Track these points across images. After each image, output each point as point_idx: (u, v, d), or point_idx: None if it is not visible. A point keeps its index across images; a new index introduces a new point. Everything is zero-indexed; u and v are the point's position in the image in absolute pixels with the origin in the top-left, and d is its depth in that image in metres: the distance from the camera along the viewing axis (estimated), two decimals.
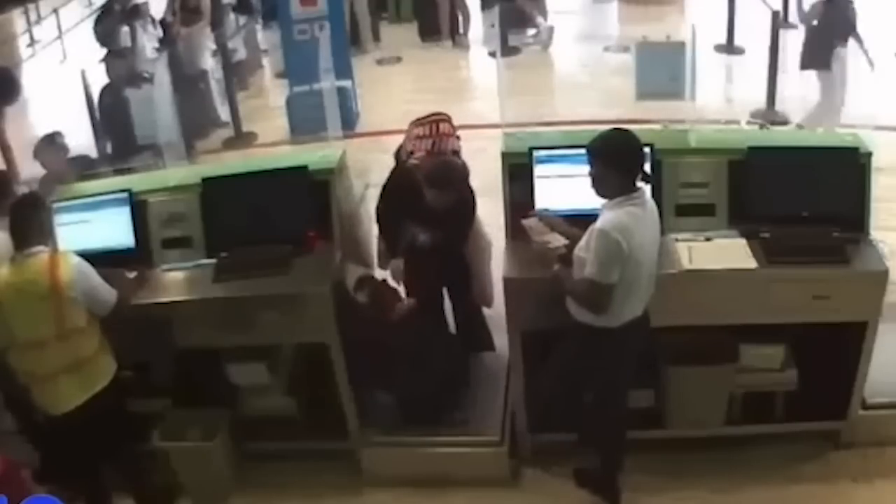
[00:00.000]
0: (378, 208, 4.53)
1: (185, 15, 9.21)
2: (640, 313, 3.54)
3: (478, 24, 10.78)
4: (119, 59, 7.76)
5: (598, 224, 3.36)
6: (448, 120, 4.54)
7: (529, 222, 3.85)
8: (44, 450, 4.19)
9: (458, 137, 4.53)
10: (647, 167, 3.56)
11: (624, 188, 3.38)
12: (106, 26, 8.90)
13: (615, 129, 3.49)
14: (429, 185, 4.17)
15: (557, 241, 3.70)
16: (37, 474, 4.23)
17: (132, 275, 4.03)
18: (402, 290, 4.54)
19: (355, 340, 4.05)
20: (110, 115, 7.10)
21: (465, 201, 4.37)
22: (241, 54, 9.75)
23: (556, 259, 3.60)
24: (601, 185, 3.42)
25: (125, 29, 8.69)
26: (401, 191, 4.37)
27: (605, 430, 3.89)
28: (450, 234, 4.42)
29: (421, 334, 4.25)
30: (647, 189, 3.51)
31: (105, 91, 7.39)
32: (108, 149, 7.14)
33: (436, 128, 4.48)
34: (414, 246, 4.45)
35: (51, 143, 5.37)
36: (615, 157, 3.38)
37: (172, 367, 4.33)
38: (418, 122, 4.55)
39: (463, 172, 4.30)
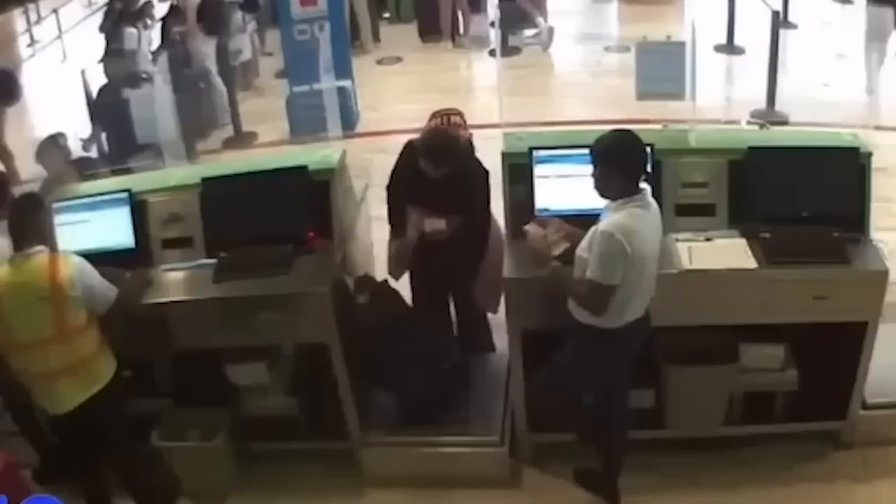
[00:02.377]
0: (388, 188, 4.51)
1: (179, 15, 9.23)
2: (641, 314, 3.54)
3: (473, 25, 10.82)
4: (117, 59, 7.76)
5: (602, 226, 3.35)
6: (460, 114, 4.58)
7: (530, 227, 3.79)
8: (44, 450, 4.19)
9: (469, 132, 4.54)
10: (649, 168, 3.55)
11: (627, 189, 3.38)
12: (112, 24, 8.93)
13: (618, 130, 3.47)
14: (424, 155, 4.14)
15: (559, 243, 3.68)
16: (37, 474, 4.23)
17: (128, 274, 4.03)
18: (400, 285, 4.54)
19: (355, 341, 4.05)
20: (107, 115, 7.10)
21: (468, 174, 4.29)
22: (246, 55, 9.74)
23: (554, 258, 3.58)
24: (604, 186, 3.41)
25: (129, 30, 8.69)
26: (405, 167, 4.38)
27: (606, 430, 3.88)
28: (457, 213, 4.35)
29: (421, 334, 4.25)
30: (649, 190, 3.50)
31: (102, 91, 7.39)
32: (104, 149, 7.15)
33: (447, 119, 4.52)
34: (420, 240, 4.43)
35: (53, 145, 5.37)
36: (618, 159, 3.37)
37: (172, 367, 4.34)
38: (433, 115, 4.59)
39: (463, 143, 4.27)
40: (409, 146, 4.43)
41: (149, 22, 9.30)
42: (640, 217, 3.36)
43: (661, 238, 3.54)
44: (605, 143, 3.41)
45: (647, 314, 3.58)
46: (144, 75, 7.69)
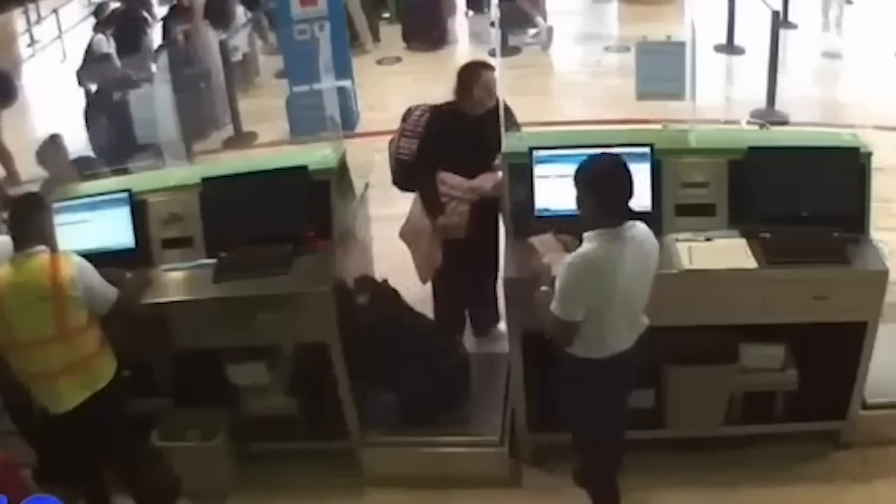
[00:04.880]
0: (414, 161, 4.59)
1: (182, 14, 9.22)
2: (630, 345, 3.34)
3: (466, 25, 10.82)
4: (94, 69, 7.78)
5: (569, 256, 3.20)
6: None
7: (537, 243, 3.64)
8: (42, 450, 4.18)
9: None
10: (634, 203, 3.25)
11: (601, 220, 3.17)
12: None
13: (605, 154, 3.32)
14: (484, 67, 4.49)
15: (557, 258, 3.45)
16: (36, 474, 4.23)
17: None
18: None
19: (355, 341, 4.05)
20: (102, 118, 7.11)
21: (502, 108, 4.39)
22: (244, 50, 9.74)
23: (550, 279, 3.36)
24: (581, 211, 3.23)
25: (97, 37, 8.69)
26: (438, 127, 4.53)
27: (592, 455, 3.73)
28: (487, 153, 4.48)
29: (421, 334, 4.25)
30: (638, 224, 3.27)
31: (95, 97, 7.39)
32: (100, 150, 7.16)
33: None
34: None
35: (53, 145, 5.37)
36: (597, 186, 3.17)
37: (172, 367, 4.34)
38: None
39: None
40: (437, 109, 4.56)
41: (150, 20, 9.30)
42: (611, 250, 3.14)
43: (651, 271, 3.32)
44: (587, 167, 3.22)
45: (641, 343, 3.39)
46: (134, 77, 7.69)
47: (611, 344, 3.30)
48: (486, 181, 4.55)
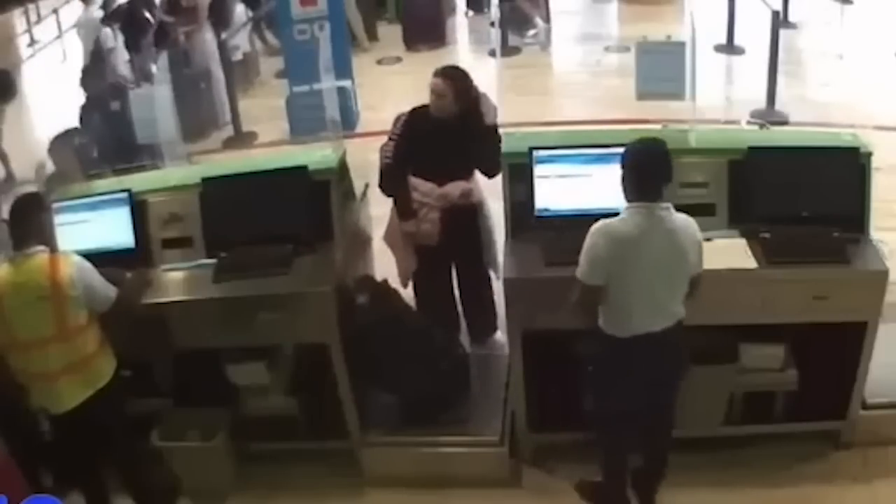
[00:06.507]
0: (387, 165, 4.53)
1: (183, 15, 9.23)
2: (654, 330, 3.41)
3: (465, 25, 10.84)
4: (94, 75, 7.79)
5: (597, 224, 3.37)
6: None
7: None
8: (22, 456, 4.13)
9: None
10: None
11: (632, 196, 3.35)
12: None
13: (648, 138, 3.47)
14: (441, 76, 4.43)
15: None
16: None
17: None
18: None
19: (355, 340, 4.05)
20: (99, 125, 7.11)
21: (480, 114, 4.39)
22: (244, 49, 9.74)
23: None
24: (622, 185, 3.42)
25: (105, 30, 8.68)
26: (411, 131, 4.48)
27: (598, 438, 3.81)
28: (468, 165, 4.45)
29: (421, 334, 4.25)
30: (679, 214, 3.38)
31: (87, 107, 7.36)
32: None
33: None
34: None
35: (65, 142, 5.35)
36: (630, 165, 3.37)
37: (172, 367, 4.33)
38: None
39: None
40: (413, 112, 4.52)
41: (151, 20, 9.31)
42: (637, 223, 3.31)
43: (681, 258, 3.37)
44: (628, 146, 3.42)
45: (671, 334, 3.44)
46: (129, 84, 7.69)
47: (633, 323, 3.40)
48: (455, 189, 4.53)
